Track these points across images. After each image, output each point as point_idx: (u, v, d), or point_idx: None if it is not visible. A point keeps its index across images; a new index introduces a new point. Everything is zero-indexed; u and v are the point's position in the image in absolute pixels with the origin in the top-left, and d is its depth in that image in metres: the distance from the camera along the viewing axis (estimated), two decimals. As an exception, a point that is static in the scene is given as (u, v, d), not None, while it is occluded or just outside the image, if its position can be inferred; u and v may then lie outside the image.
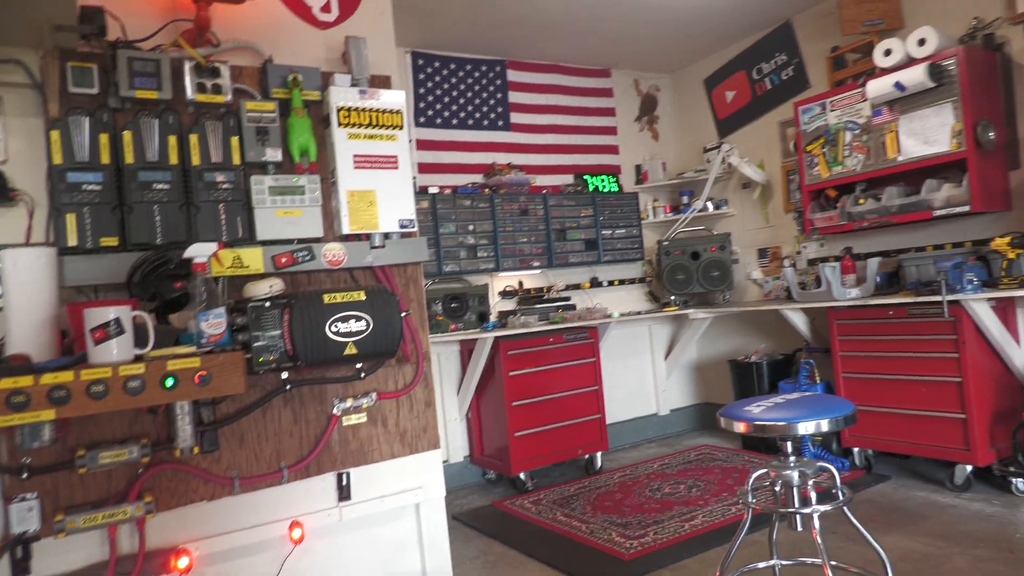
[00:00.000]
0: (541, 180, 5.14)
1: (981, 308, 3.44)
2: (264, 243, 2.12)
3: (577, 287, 5.21)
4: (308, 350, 1.97)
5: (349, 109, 2.24)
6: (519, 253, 4.74)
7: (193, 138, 2.03)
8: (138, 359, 1.66)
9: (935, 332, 3.60)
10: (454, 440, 4.63)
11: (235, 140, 2.09)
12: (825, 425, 2.00)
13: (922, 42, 3.76)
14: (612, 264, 5.28)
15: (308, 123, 2.21)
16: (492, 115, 4.99)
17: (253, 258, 2.07)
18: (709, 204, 5.36)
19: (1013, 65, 3.79)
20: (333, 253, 2.22)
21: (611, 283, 5.40)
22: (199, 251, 1.81)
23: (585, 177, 5.27)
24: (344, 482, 2.30)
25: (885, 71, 3.93)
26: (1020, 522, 3.07)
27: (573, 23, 4.58)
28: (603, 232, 5.12)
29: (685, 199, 5.52)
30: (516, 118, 5.10)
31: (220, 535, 2.10)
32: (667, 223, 5.55)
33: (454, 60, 4.87)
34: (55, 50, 1.91)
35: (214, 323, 1.79)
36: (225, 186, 2.05)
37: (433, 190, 4.51)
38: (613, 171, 5.51)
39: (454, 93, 4.85)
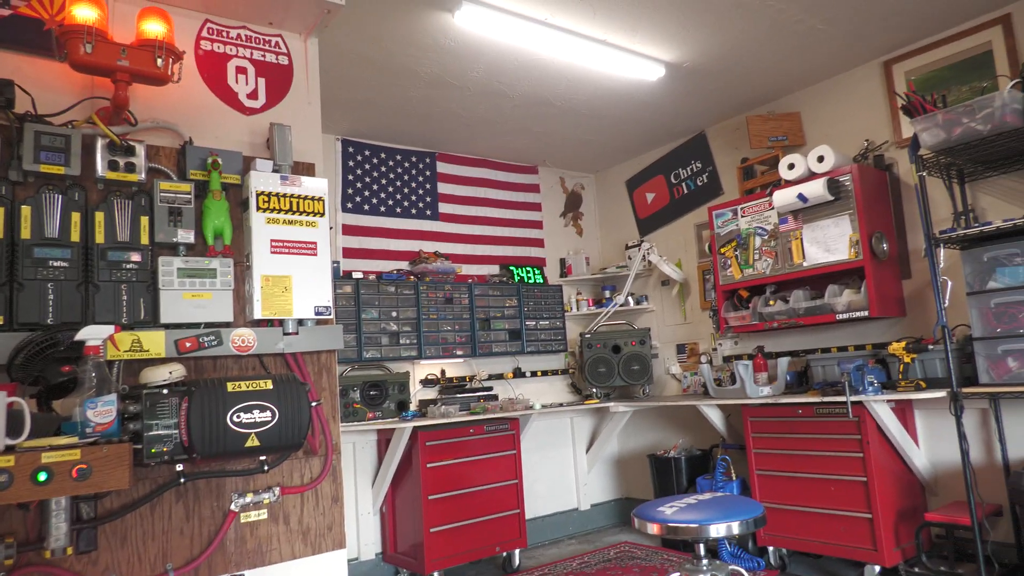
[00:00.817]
0: (467, 269, 5.18)
1: (882, 409, 3.60)
2: (168, 326, 2.03)
3: (500, 377, 5.18)
4: (206, 441, 1.86)
5: (269, 194, 2.22)
6: (442, 341, 4.71)
7: (99, 216, 1.95)
8: (9, 449, 1.52)
9: (841, 431, 3.73)
10: (366, 536, 4.40)
11: (145, 220, 2.03)
12: (736, 528, 2.01)
13: (821, 159, 4.08)
14: (535, 355, 5.30)
15: (225, 206, 2.18)
16: (420, 204, 5.06)
17: (154, 342, 1.97)
18: (630, 299, 5.51)
19: (901, 184, 4.15)
20: (242, 339, 2.14)
21: (534, 374, 5.41)
22: (93, 333, 1.71)
23: (511, 268, 5.35)
24: (237, 586, 2.13)
25: (789, 183, 4.22)
26: (926, 623, 3.11)
27: (502, 121, 4.76)
28: (527, 323, 5.16)
29: (607, 293, 5.66)
30: (444, 208, 5.18)
31: (90, 647, 1.89)
32: (590, 316, 5.66)
33: (384, 149, 4.95)
34: (-44, 119, 1.84)
35: (102, 411, 1.67)
36: (130, 266, 1.97)
37: (357, 275, 4.47)
38: (538, 263, 5.62)
39: (383, 181, 4.90)
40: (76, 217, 1.92)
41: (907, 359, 3.67)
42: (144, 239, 2.02)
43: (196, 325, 2.09)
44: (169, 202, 2.07)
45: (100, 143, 1.99)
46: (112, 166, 1.99)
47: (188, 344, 2.03)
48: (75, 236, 1.91)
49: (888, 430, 3.64)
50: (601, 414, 5.58)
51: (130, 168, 2.02)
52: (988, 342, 3.33)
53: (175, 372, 1.90)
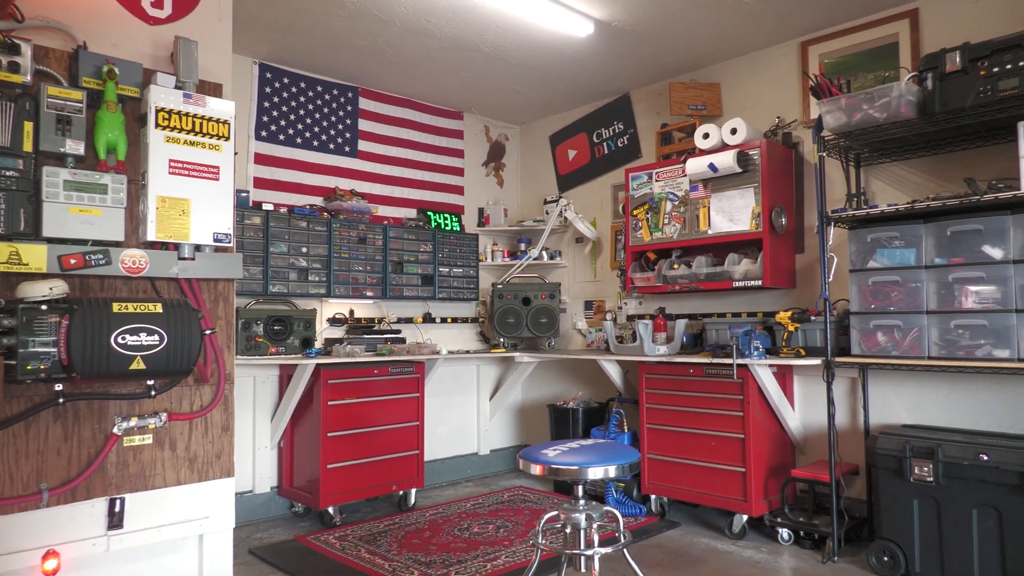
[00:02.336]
0: (383, 211, 5.12)
1: (764, 373, 3.85)
2: (51, 241, 1.93)
3: (410, 321, 5.20)
4: (87, 362, 1.80)
5: (170, 111, 2.13)
6: (353, 281, 4.66)
7: (-24, 116, 1.83)
8: None
9: (726, 391, 3.97)
10: (262, 469, 4.39)
11: (29, 126, 1.91)
12: (612, 471, 2.13)
13: (734, 131, 4.23)
14: (447, 301, 5.33)
15: (121, 119, 2.07)
16: (339, 139, 4.93)
17: (35, 255, 1.88)
18: (544, 253, 5.60)
19: (804, 162, 4.36)
20: (133, 259, 2.07)
21: (444, 320, 5.45)
22: (-37, 241, 1.62)
23: (428, 213, 5.33)
24: (117, 508, 2.10)
25: (703, 152, 4.36)
26: (781, 568, 3.41)
27: (429, 63, 4.67)
28: (441, 269, 5.18)
29: (523, 246, 5.73)
30: (364, 146, 5.07)
31: (-47, 565, 1.84)
32: (503, 267, 5.72)
33: (305, 79, 4.77)
34: None
35: (-28, 323, 1.60)
36: (10, 173, 1.86)
37: (268, 207, 4.34)
38: (456, 211, 5.61)
39: (301, 112, 4.74)
40: (-51, 115, 1.79)
41: (791, 328, 3.93)
42: (27, 146, 1.90)
43: (83, 242, 2.00)
44: (57, 109, 1.95)
45: (-21, 37, 1.84)
46: (-7, 64, 1.86)
47: (73, 261, 1.95)
48: (-53, 136, 1.78)
49: (768, 392, 3.90)
50: (507, 363, 5.70)
51: (13, 68, 1.89)
52: (863, 316, 3.60)
53: (56, 288, 1.82)
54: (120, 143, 2.07)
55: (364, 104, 5.09)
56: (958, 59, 3.18)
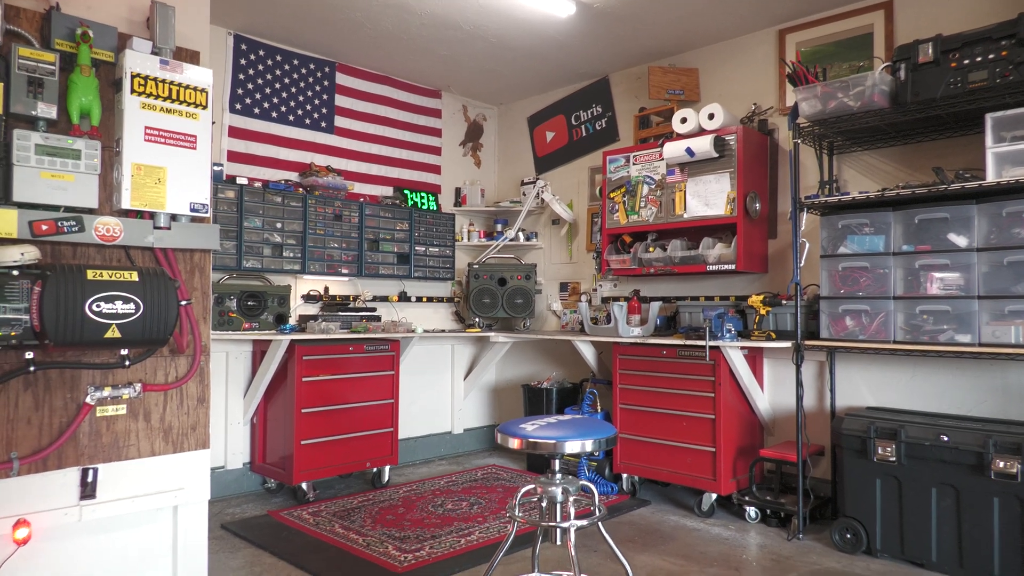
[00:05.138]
0: (360, 188, 5.08)
1: (735, 355, 3.92)
2: (22, 206, 1.89)
3: (385, 299, 5.19)
4: (60, 329, 1.78)
5: (146, 77, 2.09)
6: (328, 258, 4.63)
7: (-56, 75, 1.77)
8: None
9: (698, 373, 4.04)
10: (235, 445, 4.36)
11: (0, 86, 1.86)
12: (589, 445, 2.16)
13: (711, 116, 4.27)
14: (422, 280, 5.33)
15: (95, 84, 2.03)
16: (315, 115, 4.87)
17: (5, 220, 1.84)
18: (520, 234, 5.61)
19: (779, 149, 4.42)
20: (107, 227, 2.03)
21: (419, 299, 5.44)
22: (-68, 202, 1.58)
23: (405, 192, 5.30)
24: (90, 478, 2.08)
25: (680, 136, 4.40)
26: (748, 545, 3.50)
27: (409, 39, 4.62)
28: (417, 248, 5.16)
29: (499, 227, 5.73)
30: (340, 122, 5.01)
31: (-80, 534, 1.81)
32: (480, 247, 5.72)
33: (281, 52, 4.70)
34: None
35: (-59, 286, 1.56)
36: (-21, 135, 1.81)
37: (242, 181, 4.28)
38: (433, 190, 5.59)
39: (277, 85, 4.67)
40: (-84, 73, 1.73)
41: (763, 311, 4.00)
42: (-3, 108, 1.86)
43: (55, 208, 1.96)
44: (29, 71, 1.90)
45: (-52, -7, 1.79)
46: (-38, 22, 1.80)
47: (45, 227, 1.91)
48: (-86, 94, 1.73)
49: (739, 374, 3.98)
50: (482, 343, 5.72)
51: (-17, 27, 1.83)
52: (832, 301, 3.67)
53: (28, 254, 1.79)
54: (94, 108, 2.03)
55: (341, 80, 5.03)
56: (930, 51, 3.25)
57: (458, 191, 5.77)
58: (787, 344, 3.77)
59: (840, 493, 3.47)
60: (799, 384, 3.69)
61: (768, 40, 4.46)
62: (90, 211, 2.04)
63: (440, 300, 5.60)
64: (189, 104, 2.19)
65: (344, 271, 4.73)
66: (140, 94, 2.08)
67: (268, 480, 4.40)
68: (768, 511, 3.81)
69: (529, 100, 5.92)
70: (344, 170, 4.97)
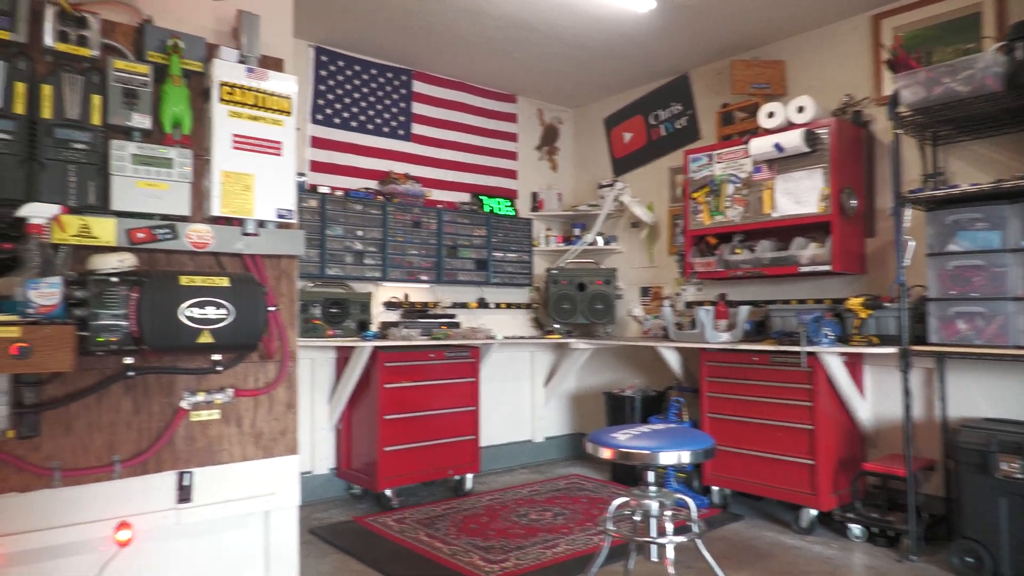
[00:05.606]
0: (437, 195, 5.09)
1: (834, 361, 3.68)
2: (120, 214, 1.94)
3: (464, 306, 5.17)
4: (157, 334, 1.80)
5: (233, 86, 2.11)
6: (407, 265, 4.65)
7: (47, 89, 1.83)
8: (-56, 323, 1.45)
9: (793, 381, 3.82)
10: (321, 451, 4.42)
11: (97, 99, 1.91)
12: (686, 456, 2.04)
13: (801, 109, 4.05)
14: (500, 287, 5.28)
15: (186, 93, 2.06)
16: (393, 123, 4.91)
17: (104, 229, 1.88)
18: (599, 239, 5.49)
19: (876, 142, 4.15)
20: (199, 235, 2.06)
21: (498, 305, 5.40)
22: (36, 211, 1.62)
23: (481, 197, 5.28)
24: (186, 482, 2.10)
25: (767, 131, 4.19)
26: (853, 565, 3.26)
27: (484, 43, 4.60)
28: (494, 254, 5.13)
29: (577, 231, 5.63)
30: (417, 129, 5.04)
31: (31, 532, 1.86)
32: (557, 252, 5.64)
33: (359, 62, 4.76)
34: None
35: (46, 292, 1.60)
36: (79, 146, 1.86)
37: (324, 190, 4.36)
38: (510, 195, 5.55)
39: (356, 95, 4.73)
40: (21, 88, 1.79)
41: (863, 315, 3.75)
42: (96, 119, 1.90)
43: (150, 216, 2.00)
44: (124, 83, 1.95)
45: (50, 11, 1.84)
46: (62, 37, 1.86)
47: (141, 235, 1.95)
48: (19, 108, 1.78)
49: (837, 382, 3.73)
50: (561, 350, 5.62)
51: (82, 41, 1.89)
52: (941, 303, 3.40)
53: (125, 261, 1.82)
54: (185, 117, 2.06)
55: (418, 87, 5.06)
56: (1053, 26, 2.96)
57: (534, 196, 5.71)
58: (891, 350, 3.51)
59: (957, 512, 3.19)
60: (906, 393, 3.42)
61: (861, 27, 4.20)
62: (182, 218, 2.07)
63: (518, 306, 5.55)
64: (274, 111, 2.20)
65: (423, 278, 4.74)
66: (228, 102, 2.10)
67: (353, 486, 4.43)
68: (874, 529, 3.55)
69: (605, 101, 5.80)
70: (422, 177, 4.99)
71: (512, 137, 5.62)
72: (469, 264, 4.99)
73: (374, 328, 4.44)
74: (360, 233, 4.42)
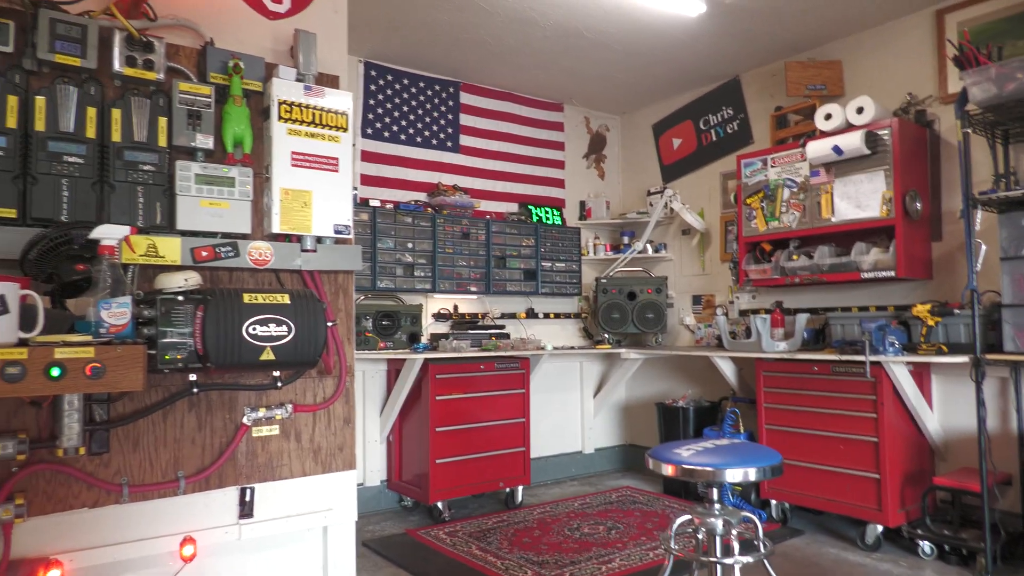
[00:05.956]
0: (485, 205, 5.09)
1: (900, 371, 3.54)
2: (184, 233, 1.97)
3: (512, 316, 5.15)
4: (221, 351, 1.82)
5: (292, 104, 2.13)
6: (457, 276, 4.65)
7: (116, 113, 1.87)
8: (22, 343, 1.48)
9: (856, 391, 3.68)
10: (372, 463, 4.44)
11: (163, 121, 1.95)
12: (753, 474, 1.97)
13: (860, 110, 3.92)
14: (549, 297, 5.25)
15: (246, 113, 2.09)
16: (442, 135, 4.93)
17: (170, 248, 1.92)
18: (648, 247, 5.41)
19: (941, 142, 3.99)
20: (259, 252, 2.08)
21: (547, 315, 5.37)
22: (108, 233, 1.66)
23: (530, 207, 5.26)
24: (247, 498, 2.12)
25: (825, 134, 4.07)
26: (924, 583, 3.12)
27: (530, 53, 4.59)
28: (543, 264, 5.09)
29: (626, 239, 5.56)
30: (466, 141, 5.05)
31: (101, 547, 1.89)
32: (606, 261, 5.58)
33: (408, 75, 4.80)
34: (-31, 0, 1.75)
35: (117, 312, 1.63)
36: (147, 168, 1.90)
37: (374, 203, 4.39)
38: (557, 204, 5.52)
39: (405, 108, 4.77)
40: (92, 112, 1.84)
41: (931, 322, 3.60)
42: (161, 141, 1.94)
43: (212, 234, 2.03)
44: (188, 104, 1.99)
45: (118, 37, 1.89)
46: (130, 62, 1.90)
47: (204, 253, 1.97)
48: (91, 132, 1.83)
49: (904, 393, 3.59)
50: (611, 360, 5.55)
51: (148, 65, 1.93)
52: (1017, 309, 3.24)
53: (191, 280, 1.85)
54: (246, 136, 2.09)
55: (465, 99, 5.07)
56: None
57: (582, 204, 5.66)
58: (962, 359, 3.35)
59: (1039, 529, 3.02)
60: (980, 404, 3.26)
61: (923, 23, 4.05)
62: (243, 236, 2.09)
63: (567, 316, 5.50)
64: (331, 127, 2.21)
65: (472, 289, 4.73)
66: (287, 120, 2.12)
67: (404, 498, 4.44)
68: (946, 547, 3.39)
69: (653, 107, 5.73)
70: (470, 188, 4.99)
71: (559, 146, 5.59)
72: (517, 274, 4.97)
73: (424, 340, 4.44)
74: (410, 245, 4.44)
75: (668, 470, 2.05)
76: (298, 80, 2.19)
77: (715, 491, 2.09)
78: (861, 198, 3.95)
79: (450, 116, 4.99)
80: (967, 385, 3.70)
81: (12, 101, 1.73)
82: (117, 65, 1.88)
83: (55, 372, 1.45)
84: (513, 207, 5.27)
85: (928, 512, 3.52)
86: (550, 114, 5.55)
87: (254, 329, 1.85)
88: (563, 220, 5.43)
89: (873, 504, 3.59)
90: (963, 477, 3.44)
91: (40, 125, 1.76)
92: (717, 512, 2.07)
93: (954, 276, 3.89)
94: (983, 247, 3.38)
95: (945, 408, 3.86)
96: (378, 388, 4.48)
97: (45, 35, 1.77)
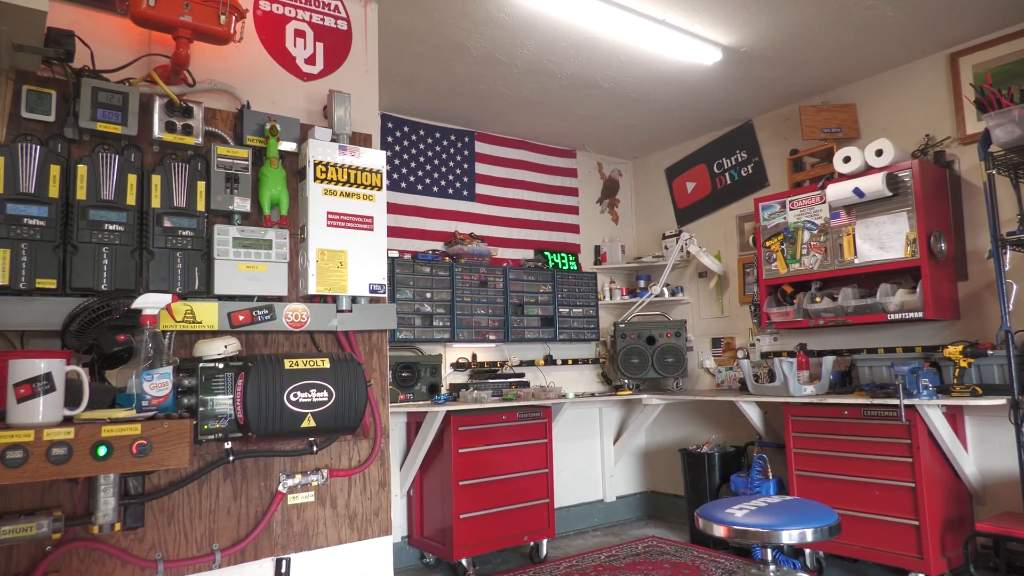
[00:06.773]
0: (502, 253, 5.08)
1: (935, 414, 3.47)
2: (221, 298, 1.94)
3: (531, 363, 5.09)
4: (262, 420, 1.77)
5: (327, 164, 2.12)
6: (475, 325, 4.61)
7: (156, 179, 1.86)
8: (67, 420, 1.44)
9: (890, 435, 3.60)
10: (393, 518, 4.30)
11: (202, 185, 1.93)
12: (809, 535, 1.90)
13: (879, 153, 3.92)
14: (567, 343, 5.19)
15: (282, 174, 2.08)
16: (457, 184, 4.94)
17: (208, 313, 1.88)
18: (666, 290, 5.38)
19: (962, 182, 3.99)
20: (296, 314, 2.05)
21: (564, 361, 5.31)
22: (151, 302, 1.62)
23: (546, 253, 5.24)
24: (283, 569, 2.05)
25: (844, 176, 4.07)
26: (975, 637, 3.00)
27: (547, 103, 4.63)
28: (560, 310, 5.06)
29: (642, 283, 5.53)
30: (481, 189, 5.07)
31: (133, 628, 1.82)
32: (623, 305, 5.54)
33: (423, 127, 4.84)
34: (11, 71, 1.75)
35: (158, 384, 1.59)
36: (186, 233, 1.88)
37: (392, 254, 4.37)
38: (573, 249, 5.50)
39: (421, 159, 4.79)
40: (132, 179, 1.83)
41: (963, 363, 3.54)
42: (200, 205, 1.93)
43: (249, 298, 1.99)
44: (226, 168, 1.98)
45: (158, 103, 1.89)
46: (169, 128, 1.90)
47: (241, 317, 1.94)
48: (131, 199, 1.82)
49: (940, 436, 3.51)
50: (630, 406, 5.47)
51: (187, 131, 1.92)
52: (1053, 350, 3.18)
53: (230, 346, 1.81)
54: (283, 198, 2.07)
55: (480, 148, 5.10)
56: None
57: (597, 249, 5.65)
58: (999, 400, 3.28)
59: (1093, 580, 2.91)
60: (1021, 446, 3.19)
61: (937, 66, 4.09)
62: (279, 299, 2.06)
63: (585, 362, 5.44)
64: (366, 186, 2.20)
65: (491, 337, 4.69)
66: (322, 181, 2.11)
67: (426, 554, 4.32)
68: (994, 598, 3.27)
69: (665, 152, 5.76)
70: (487, 236, 4.99)
71: (573, 192, 5.61)
72: (535, 321, 4.93)
73: (444, 391, 4.38)
74: (428, 295, 4.41)
75: (720, 531, 1.98)
76: (333, 140, 2.19)
77: (769, 552, 2.02)
78: (884, 239, 3.92)
79: (465, 165, 5.01)
80: (1003, 427, 3.63)
81: (54, 170, 1.72)
82: (157, 131, 1.88)
83: (102, 451, 1.40)
84: (529, 254, 5.25)
85: (972, 560, 3.40)
86: (563, 160, 5.57)
87: (295, 396, 1.81)
88: (579, 265, 5.41)
89: (914, 552, 3.48)
90: (1006, 522, 3.34)
91: (82, 194, 1.75)
92: (772, 573, 1.99)
93: (983, 315, 3.84)
94: (1015, 287, 3.35)
95: (981, 450, 3.78)
96: (398, 441, 4.40)
97: (88, 104, 1.77)
